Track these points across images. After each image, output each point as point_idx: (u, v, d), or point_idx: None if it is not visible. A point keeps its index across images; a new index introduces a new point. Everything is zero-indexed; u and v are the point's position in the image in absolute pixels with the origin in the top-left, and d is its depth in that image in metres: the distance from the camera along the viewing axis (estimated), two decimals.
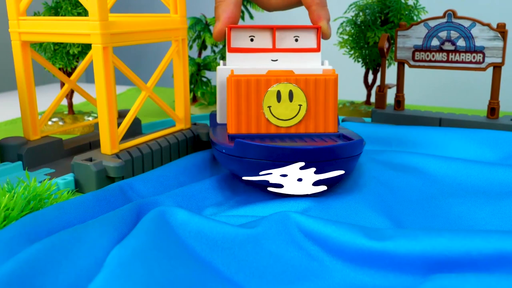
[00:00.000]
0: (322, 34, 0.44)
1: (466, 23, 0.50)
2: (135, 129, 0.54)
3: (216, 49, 0.71)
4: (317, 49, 0.44)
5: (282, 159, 0.32)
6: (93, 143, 0.49)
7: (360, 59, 0.64)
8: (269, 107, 0.38)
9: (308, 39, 0.44)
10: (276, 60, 0.43)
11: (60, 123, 0.61)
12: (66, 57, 0.59)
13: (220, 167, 0.45)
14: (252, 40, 0.43)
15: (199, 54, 0.72)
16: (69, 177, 0.40)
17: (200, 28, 0.70)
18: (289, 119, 0.38)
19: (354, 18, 0.64)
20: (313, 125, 0.39)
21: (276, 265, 0.25)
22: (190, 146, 0.48)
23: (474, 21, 0.50)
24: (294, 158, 0.32)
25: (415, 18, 0.61)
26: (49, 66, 0.47)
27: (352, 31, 0.64)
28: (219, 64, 0.53)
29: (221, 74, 0.43)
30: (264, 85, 0.38)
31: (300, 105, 0.38)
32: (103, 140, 0.41)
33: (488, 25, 0.49)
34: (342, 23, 0.65)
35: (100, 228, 0.25)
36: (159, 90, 0.89)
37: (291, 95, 0.38)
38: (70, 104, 0.63)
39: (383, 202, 0.34)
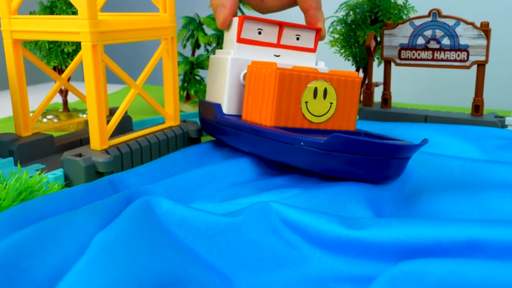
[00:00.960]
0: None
1: (451, 22, 0.51)
2: (126, 126, 0.54)
3: (210, 48, 0.72)
4: (314, 50, 0.46)
5: (385, 154, 0.33)
6: (84, 140, 0.50)
7: (350, 58, 0.65)
8: (306, 102, 0.39)
9: (308, 39, 0.45)
10: (279, 55, 0.44)
11: (55, 120, 0.62)
12: (61, 55, 0.60)
13: (211, 160, 0.45)
14: (260, 33, 0.43)
15: (193, 53, 0.73)
16: (59, 172, 0.41)
17: (193, 27, 0.71)
18: (321, 116, 0.40)
19: (344, 17, 0.65)
20: (338, 122, 0.40)
21: (256, 252, 0.26)
22: (179, 142, 0.49)
23: (459, 20, 0.51)
24: (395, 154, 0.33)
25: (404, 17, 0.62)
26: (40, 65, 0.48)
27: (343, 30, 0.65)
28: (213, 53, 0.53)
29: (233, 63, 0.43)
30: (304, 80, 0.39)
31: (331, 103, 0.40)
32: (93, 136, 0.42)
33: (472, 24, 0.50)
34: (333, 22, 0.66)
35: (88, 216, 0.26)
36: (151, 88, 0.90)
37: (325, 93, 0.39)
38: (65, 102, 0.64)
39: (367, 194, 0.35)
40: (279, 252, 0.26)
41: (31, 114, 0.50)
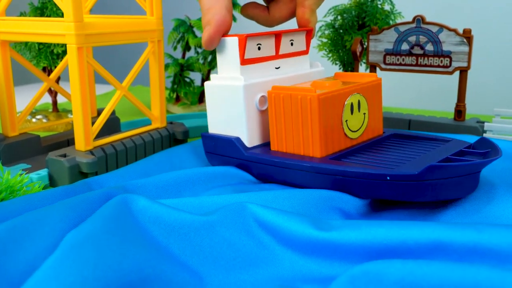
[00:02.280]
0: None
1: (434, 28, 0.52)
2: (114, 127, 0.55)
3: (200, 50, 0.73)
4: (306, 52, 0.43)
5: (475, 170, 0.31)
6: (71, 140, 0.50)
7: (338, 62, 0.66)
8: (346, 120, 0.37)
9: (301, 42, 0.43)
10: (279, 67, 0.41)
11: (44, 120, 0.62)
12: (50, 56, 0.60)
13: (194, 162, 0.45)
14: (259, 48, 0.40)
15: (183, 55, 0.74)
16: (43, 172, 0.41)
17: (184, 29, 0.72)
18: (358, 130, 0.38)
19: (332, 22, 0.65)
20: (371, 130, 0.39)
21: (229, 251, 0.26)
22: (165, 144, 0.50)
23: (442, 27, 0.51)
24: (482, 167, 0.31)
25: (391, 22, 0.63)
26: (28, 66, 0.48)
27: (331, 34, 0.65)
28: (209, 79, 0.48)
29: (247, 91, 0.38)
30: (342, 98, 0.36)
31: (364, 114, 0.38)
32: (77, 137, 0.42)
33: (455, 30, 0.51)
34: (321, 27, 0.67)
35: (63, 212, 0.27)
36: (143, 89, 0.91)
37: (359, 105, 0.37)
38: (55, 102, 0.65)
39: (341, 196, 0.36)
40: (251, 252, 0.26)
41: (18, 115, 0.50)
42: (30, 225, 0.24)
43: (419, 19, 0.52)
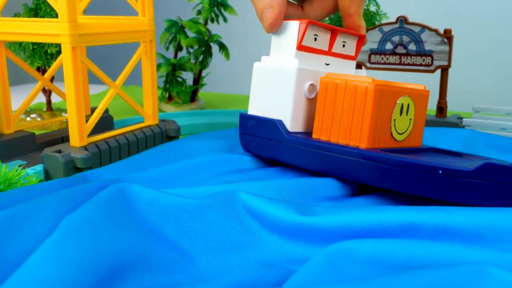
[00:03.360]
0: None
1: (416, 29, 0.54)
2: (107, 125, 0.56)
3: (191, 50, 0.75)
4: (355, 57, 0.42)
5: None
6: (65, 138, 0.52)
7: None
8: (394, 120, 0.36)
9: (352, 46, 0.42)
10: (329, 64, 0.40)
11: (38, 119, 0.64)
12: (45, 56, 0.62)
13: (188, 155, 0.46)
14: (315, 39, 0.39)
15: (175, 55, 0.75)
16: (39, 167, 0.43)
17: (175, 30, 0.74)
18: (403, 133, 0.37)
19: None
20: (412, 138, 0.38)
21: (218, 234, 0.28)
22: (157, 141, 0.52)
23: (424, 27, 0.53)
24: None
25: (376, 23, 0.65)
26: (23, 65, 0.50)
27: None
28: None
29: (300, 74, 0.38)
30: (395, 96, 0.35)
31: (410, 119, 0.37)
32: (72, 133, 0.44)
33: (436, 30, 0.53)
34: None
35: (61, 200, 0.28)
36: (136, 89, 0.92)
37: (408, 109, 0.36)
38: (49, 101, 0.66)
39: (328, 184, 0.37)
40: (239, 236, 0.28)
41: (13, 113, 0.51)
42: (29, 212, 0.26)
43: (402, 20, 0.54)
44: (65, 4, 0.41)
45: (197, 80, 0.76)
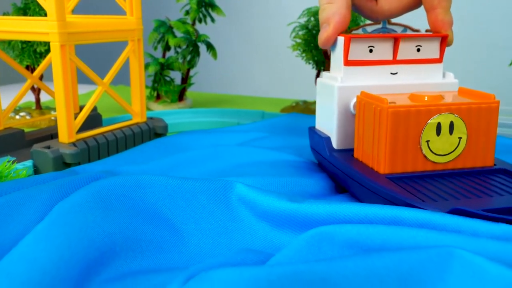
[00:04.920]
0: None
1: (399, 29, 0.55)
2: (96, 123, 0.57)
3: (179, 50, 0.76)
4: (440, 60, 0.39)
5: None
6: (54, 135, 0.53)
7: (311, 61, 0.69)
8: (427, 141, 0.33)
9: (431, 49, 0.39)
10: (396, 73, 0.38)
11: (28, 117, 0.64)
12: (33, 55, 0.62)
13: (179, 150, 0.47)
14: (371, 51, 0.37)
15: (163, 55, 0.76)
16: (28, 163, 0.43)
17: (164, 30, 0.75)
18: (447, 154, 0.33)
19: (306, 23, 0.69)
20: (472, 159, 0.34)
21: (209, 217, 0.29)
22: (145, 138, 0.53)
23: (406, 27, 0.55)
24: None
25: (361, 23, 0.66)
26: (13, 63, 0.51)
27: (304, 35, 0.69)
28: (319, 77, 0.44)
29: (341, 92, 0.37)
30: (424, 116, 0.32)
31: (460, 138, 0.33)
32: (61, 130, 0.45)
33: (418, 30, 0.54)
34: (295, 28, 0.70)
35: (52, 190, 0.29)
36: (125, 89, 0.93)
37: (451, 127, 0.33)
38: (38, 100, 0.67)
39: (312, 183, 0.38)
40: (229, 222, 0.29)
41: (3, 111, 0.52)
42: (22, 200, 0.27)
43: (384, 20, 0.56)
44: (54, 3, 0.42)
45: (185, 79, 0.77)
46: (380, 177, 0.33)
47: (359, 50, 0.37)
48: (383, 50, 0.38)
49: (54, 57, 0.43)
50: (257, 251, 0.25)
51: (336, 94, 0.37)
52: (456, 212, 0.27)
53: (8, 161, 0.36)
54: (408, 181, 0.33)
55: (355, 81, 0.37)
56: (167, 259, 0.26)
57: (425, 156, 0.33)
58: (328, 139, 0.39)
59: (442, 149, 0.33)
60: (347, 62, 0.37)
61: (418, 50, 0.38)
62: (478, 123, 0.33)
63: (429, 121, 0.33)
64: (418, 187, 0.32)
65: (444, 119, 0.33)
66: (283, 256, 0.23)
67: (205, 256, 0.26)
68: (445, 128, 0.33)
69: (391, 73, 0.38)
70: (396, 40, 0.38)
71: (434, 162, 0.33)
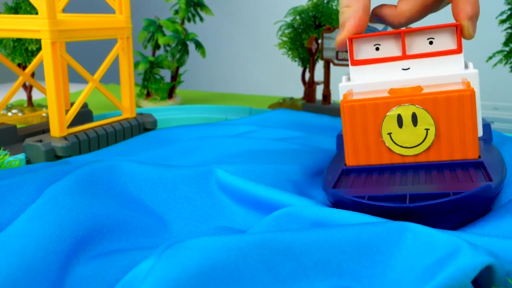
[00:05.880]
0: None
1: (380, 27, 0.57)
2: (86, 120, 0.59)
3: (169, 48, 0.77)
4: (458, 50, 0.37)
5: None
6: (46, 131, 0.54)
7: (297, 59, 0.71)
8: (389, 133, 0.33)
9: (446, 40, 0.37)
10: (408, 68, 0.37)
11: (19, 114, 0.66)
12: (25, 53, 0.64)
13: (169, 143, 0.48)
14: (377, 49, 0.37)
15: (153, 53, 0.78)
16: (21, 156, 0.45)
17: (153, 29, 0.76)
18: (414, 147, 0.33)
19: (292, 22, 0.71)
20: (447, 151, 0.33)
21: (189, 206, 0.31)
22: (135, 133, 0.54)
23: (387, 25, 0.57)
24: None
25: None
26: (5, 61, 0.52)
27: (290, 33, 0.70)
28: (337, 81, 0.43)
29: (344, 91, 0.37)
30: (382, 109, 0.33)
31: (427, 130, 0.32)
32: (52, 124, 0.46)
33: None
34: (281, 27, 0.72)
35: (45, 176, 0.31)
36: (116, 87, 0.94)
37: (414, 119, 0.32)
38: (29, 97, 0.68)
39: (295, 169, 0.40)
40: (209, 209, 0.31)
41: None
42: (16, 185, 0.28)
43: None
44: (45, 1, 0.43)
45: (175, 77, 0.78)
46: (340, 168, 0.34)
47: (365, 50, 0.37)
48: (391, 46, 0.37)
49: (45, 54, 0.44)
50: (232, 228, 0.27)
51: (341, 93, 0.37)
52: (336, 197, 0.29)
53: (2, 152, 0.38)
54: (359, 172, 0.33)
55: (362, 80, 0.37)
56: (151, 242, 0.27)
57: (389, 149, 0.33)
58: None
59: (408, 141, 0.33)
60: (354, 62, 0.37)
61: (431, 42, 0.37)
62: (448, 113, 0.32)
63: (387, 114, 0.32)
64: (361, 178, 0.32)
65: (405, 111, 0.32)
66: (253, 230, 0.25)
67: (186, 238, 0.28)
68: (407, 120, 0.32)
69: (403, 69, 0.37)
70: (402, 36, 0.37)
71: (401, 155, 0.33)
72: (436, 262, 0.20)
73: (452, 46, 0.37)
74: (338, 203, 0.29)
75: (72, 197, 0.26)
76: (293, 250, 0.21)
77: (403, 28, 0.41)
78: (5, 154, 0.37)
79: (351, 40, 0.36)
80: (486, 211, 0.30)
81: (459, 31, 0.36)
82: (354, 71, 0.37)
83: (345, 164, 0.34)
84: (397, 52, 0.37)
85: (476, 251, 0.19)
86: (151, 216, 0.29)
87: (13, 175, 0.32)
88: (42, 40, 0.44)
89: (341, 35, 0.37)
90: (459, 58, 0.37)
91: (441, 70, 0.37)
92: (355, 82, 0.37)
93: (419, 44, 0.37)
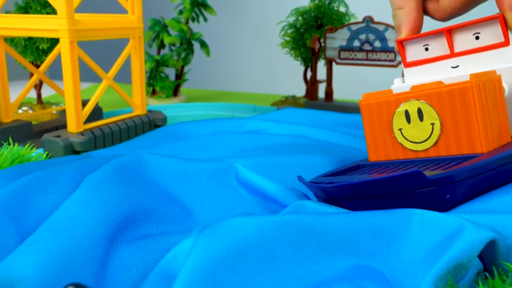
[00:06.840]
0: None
1: (381, 27, 0.60)
2: (97, 117, 0.61)
3: (174, 48, 0.79)
4: (505, 43, 0.35)
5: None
6: (59, 127, 0.56)
7: (299, 58, 0.73)
8: (400, 129, 0.33)
9: (492, 33, 0.36)
10: (457, 66, 0.37)
11: (30, 111, 0.67)
12: (36, 51, 0.65)
13: (183, 138, 0.50)
14: (427, 49, 0.37)
15: (158, 52, 0.80)
16: (40, 150, 0.47)
17: (158, 28, 0.78)
18: (423, 141, 0.33)
19: (294, 22, 0.73)
20: (456, 145, 0.32)
21: (212, 198, 0.33)
22: (146, 129, 0.56)
23: (387, 26, 0.59)
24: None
25: (346, 23, 0.71)
26: (20, 59, 0.54)
27: (293, 33, 0.73)
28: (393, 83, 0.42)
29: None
30: (393, 105, 0.33)
31: (432, 124, 0.32)
32: (70, 120, 0.48)
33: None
34: (284, 27, 0.74)
35: (78, 168, 0.33)
36: (125, 86, 0.96)
37: (420, 114, 0.33)
38: (39, 95, 0.70)
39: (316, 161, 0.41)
40: (230, 201, 0.33)
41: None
42: (54, 175, 0.30)
43: (368, 19, 0.60)
44: (64, 1, 0.45)
45: (179, 75, 0.80)
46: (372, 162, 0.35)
47: (415, 51, 0.37)
48: (439, 46, 0.37)
49: (64, 53, 0.46)
50: (255, 214, 0.29)
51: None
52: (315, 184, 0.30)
53: (28, 147, 0.39)
54: (377, 166, 0.34)
55: (415, 80, 0.38)
56: (178, 230, 0.29)
57: (401, 144, 0.34)
58: None
59: (417, 136, 0.33)
60: (407, 64, 0.38)
61: (477, 38, 0.36)
62: (452, 107, 0.32)
63: (396, 110, 0.33)
64: (372, 170, 0.34)
65: (411, 106, 0.33)
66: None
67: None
68: (414, 115, 0.33)
69: (452, 67, 0.37)
70: (448, 33, 0.36)
71: (414, 150, 0.33)
72: (444, 240, 0.22)
73: (499, 39, 0.35)
74: (310, 188, 0.31)
75: (111, 185, 0.28)
76: (316, 231, 0.23)
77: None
78: (30, 148, 0.39)
79: (400, 43, 0.37)
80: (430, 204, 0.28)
81: (503, 23, 0.35)
82: (407, 72, 0.38)
83: (369, 160, 0.35)
84: (446, 51, 0.37)
85: (479, 227, 0.22)
86: (177, 206, 0.31)
87: (44, 166, 0.34)
88: (60, 39, 0.46)
89: (397, 37, 0.37)
90: (508, 50, 0.35)
91: (489, 65, 0.36)
92: (406, 84, 0.37)
93: (466, 41, 0.36)
